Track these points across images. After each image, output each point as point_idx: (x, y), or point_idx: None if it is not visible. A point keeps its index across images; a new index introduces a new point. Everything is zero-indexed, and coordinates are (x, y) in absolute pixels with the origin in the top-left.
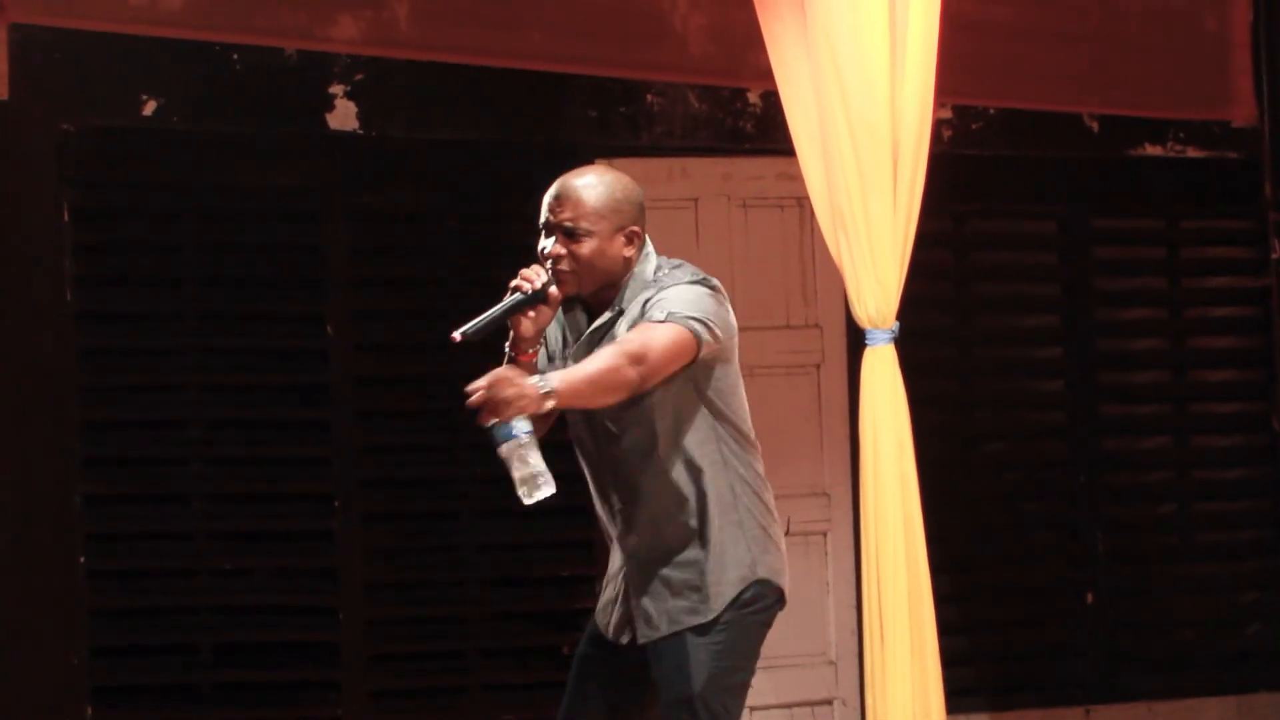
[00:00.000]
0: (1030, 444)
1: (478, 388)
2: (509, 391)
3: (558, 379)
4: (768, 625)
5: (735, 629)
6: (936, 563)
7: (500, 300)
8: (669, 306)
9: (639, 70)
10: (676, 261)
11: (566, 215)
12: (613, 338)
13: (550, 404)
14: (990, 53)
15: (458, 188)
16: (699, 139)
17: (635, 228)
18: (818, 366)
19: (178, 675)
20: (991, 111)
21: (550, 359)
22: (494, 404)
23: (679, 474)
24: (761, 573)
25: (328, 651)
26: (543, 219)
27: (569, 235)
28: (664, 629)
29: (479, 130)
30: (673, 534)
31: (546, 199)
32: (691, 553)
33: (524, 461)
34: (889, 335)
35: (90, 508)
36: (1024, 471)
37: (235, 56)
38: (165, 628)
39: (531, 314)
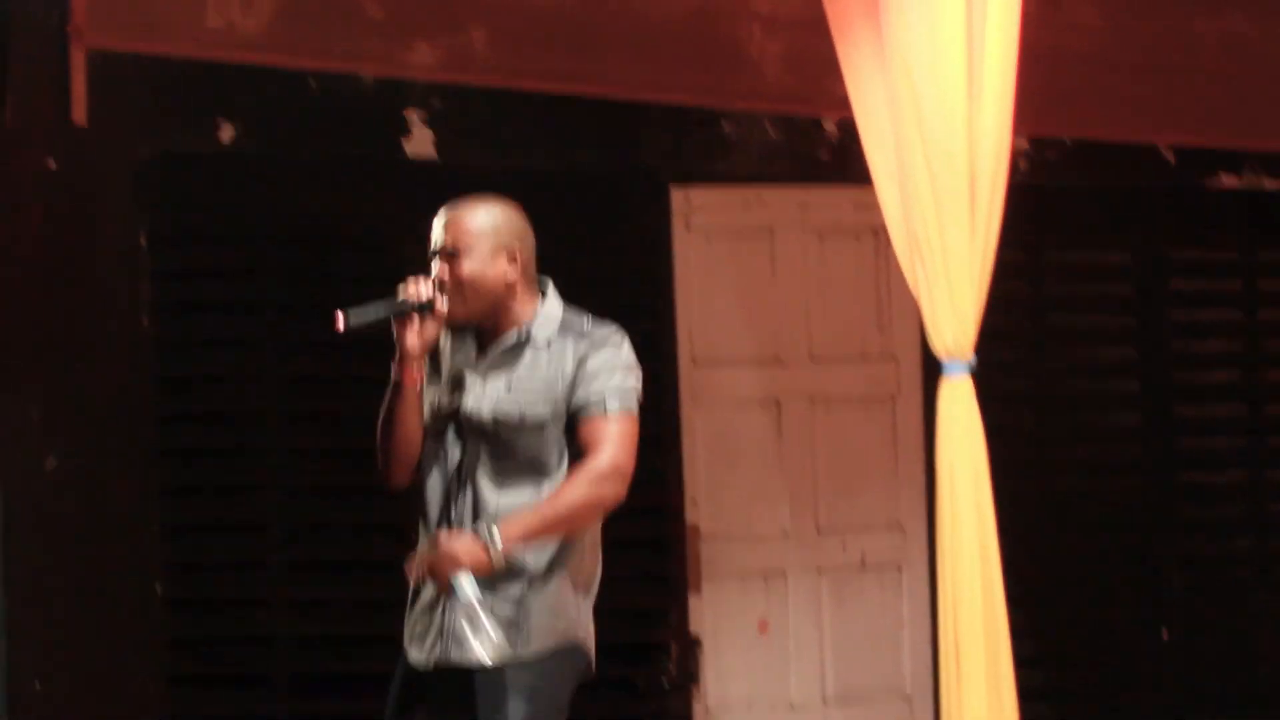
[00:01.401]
0: (1106, 477)
1: (425, 559)
2: (455, 558)
3: (506, 527)
4: (576, 687)
5: (550, 678)
6: (1012, 597)
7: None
8: (611, 381)
9: (715, 98)
10: (574, 308)
11: (447, 238)
12: (526, 363)
13: (500, 557)
14: (1067, 84)
15: (533, 216)
16: (775, 168)
17: (514, 248)
18: (893, 398)
19: (254, 705)
20: (1068, 142)
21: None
22: (441, 570)
23: (541, 495)
24: (580, 634)
25: None
26: (432, 245)
27: (450, 256)
28: (480, 657)
29: (555, 157)
30: (507, 567)
31: (434, 225)
32: (517, 588)
33: (474, 623)
34: (966, 367)
35: (168, 536)
36: (1100, 505)
37: (313, 82)
38: (242, 657)
39: (416, 327)
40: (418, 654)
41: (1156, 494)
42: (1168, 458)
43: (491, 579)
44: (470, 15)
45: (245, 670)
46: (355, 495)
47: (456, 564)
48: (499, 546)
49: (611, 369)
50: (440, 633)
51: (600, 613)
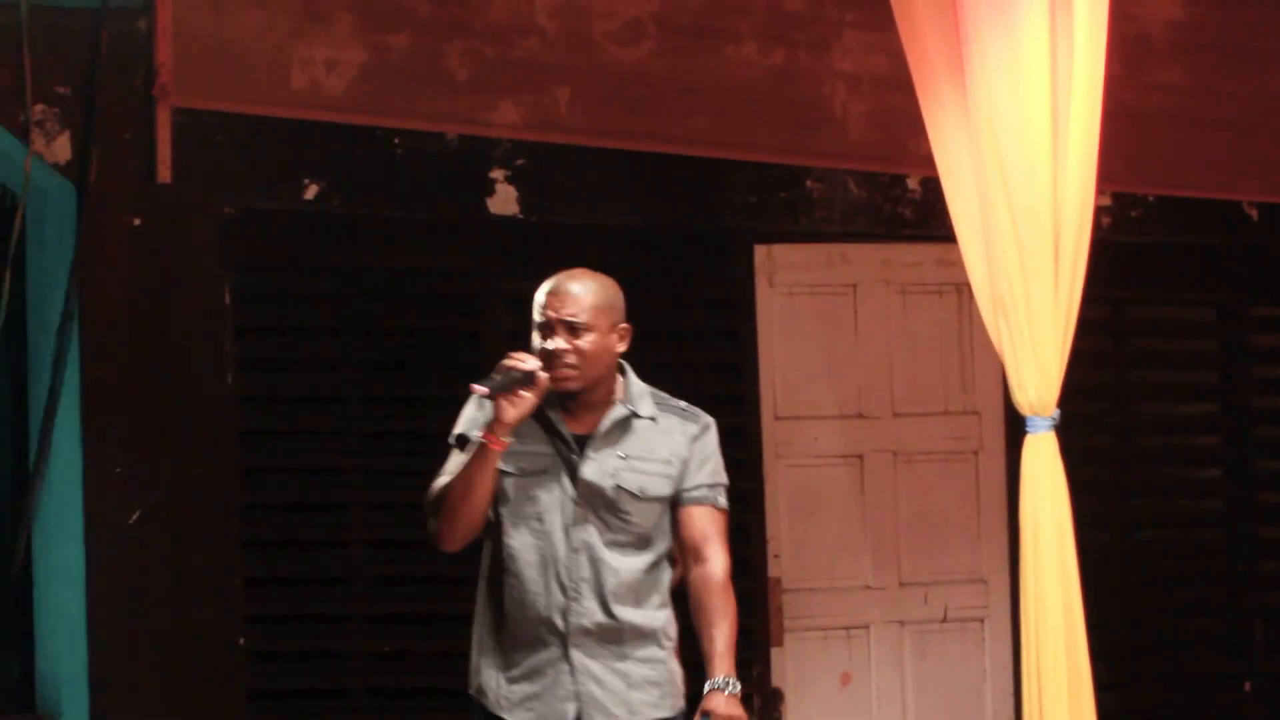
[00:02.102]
0: (1188, 531)
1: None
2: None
3: (727, 666)
4: None
5: None
6: (1095, 650)
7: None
8: (720, 474)
9: (799, 156)
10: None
11: (569, 311)
12: (637, 436)
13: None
14: (1150, 140)
15: (617, 273)
16: (858, 225)
17: (626, 325)
18: (976, 453)
19: None
20: (1151, 199)
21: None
22: None
23: (647, 573)
24: (683, 702)
25: None
26: (539, 316)
27: (571, 331)
28: (624, 717)
29: (639, 216)
30: (630, 617)
31: (542, 298)
32: (651, 650)
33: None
34: (1050, 422)
35: (250, 589)
36: (1182, 559)
37: (397, 140)
38: (324, 710)
39: (516, 398)
40: (523, 715)
41: (1238, 547)
42: (1250, 512)
43: (636, 643)
44: (553, 75)
45: None
46: (435, 549)
47: None
48: (739, 689)
49: (717, 457)
50: (571, 698)
51: (685, 665)
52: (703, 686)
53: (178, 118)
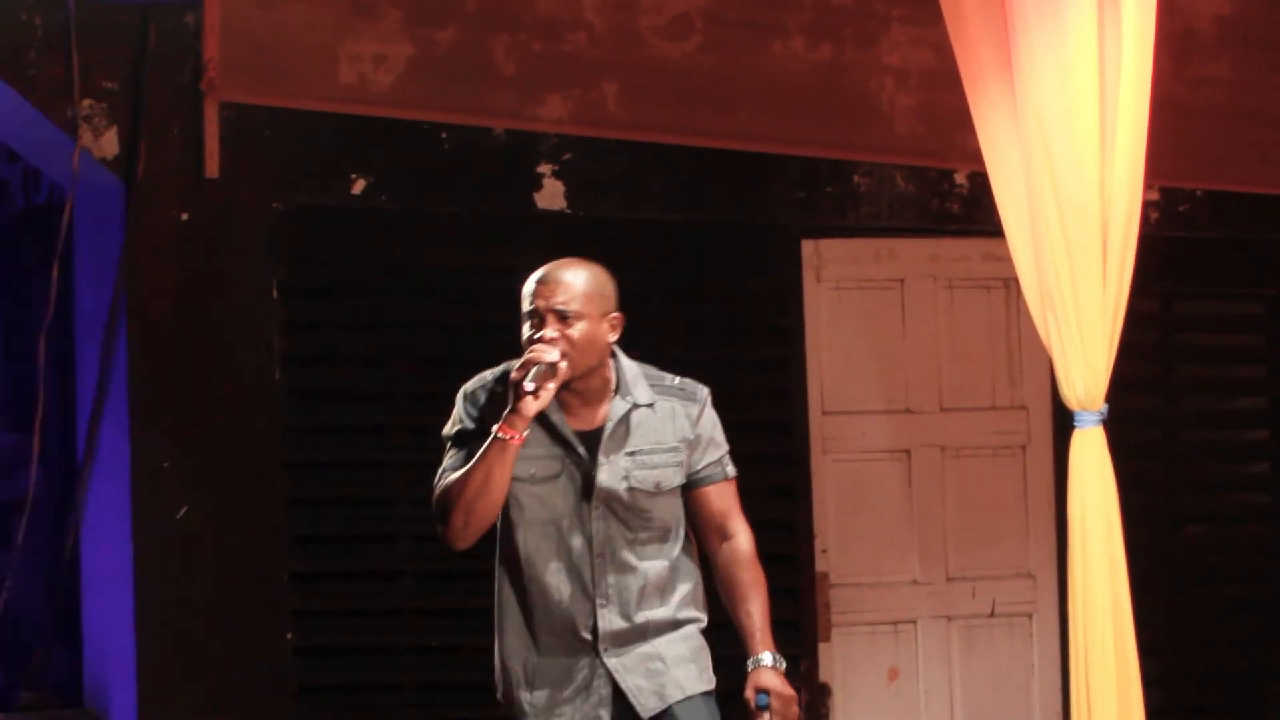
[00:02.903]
0: (1236, 526)
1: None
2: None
3: (770, 641)
4: None
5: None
6: (1142, 646)
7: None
8: (724, 446)
9: (847, 151)
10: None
11: (560, 299)
12: (640, 428)
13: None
14: (1198, 135)
15: (664, 267)
16: (906, 220)
17: (618, 314)
18: (1023, 448)
19: None
20: (1199, 194)
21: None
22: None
23: (671, 566)
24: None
25: None
26: (529, 306)
27: (562, 319)
28: (676, 695)
29: (686, 210)
30: (659, 613)
31: (531, 287)
32: (680, 630)
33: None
34: (1098, 417)
35: (298, 584)
36: (1230, 554)
37: (444, 135)
38: (372, 704)
39: (543, 391)
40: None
41: None
42: None
43: (667, 632)
44: (601, 69)
45: (375, 717)
46: (484, 543)
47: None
48: (784, 664)
49: (718, 428)
50: (607, 703)
51: (732, 660)
52: (744, 663)
53: (225, 112)
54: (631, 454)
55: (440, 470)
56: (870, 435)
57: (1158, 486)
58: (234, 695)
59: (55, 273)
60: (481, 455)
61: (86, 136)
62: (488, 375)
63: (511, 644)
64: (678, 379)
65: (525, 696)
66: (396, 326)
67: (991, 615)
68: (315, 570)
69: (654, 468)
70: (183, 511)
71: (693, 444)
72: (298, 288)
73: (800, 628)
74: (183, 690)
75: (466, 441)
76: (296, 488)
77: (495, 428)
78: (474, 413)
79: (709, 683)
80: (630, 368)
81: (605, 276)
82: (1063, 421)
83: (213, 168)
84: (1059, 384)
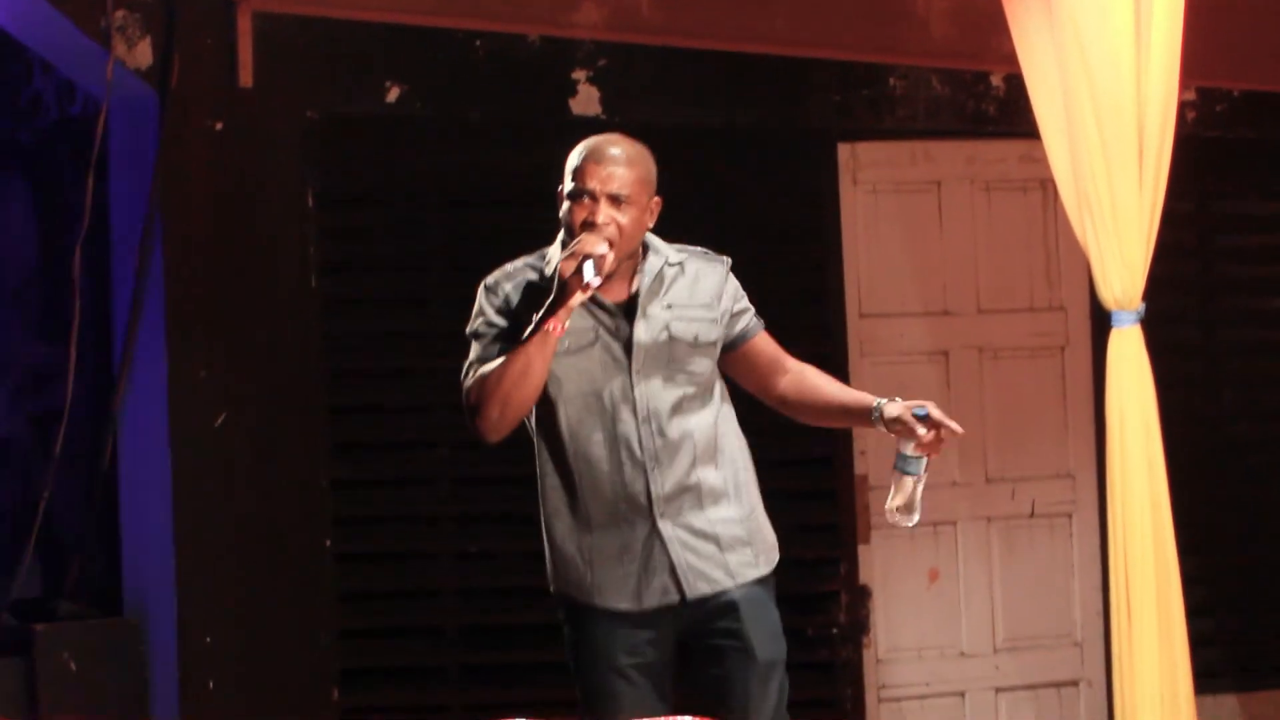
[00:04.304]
0: (1275, 425)
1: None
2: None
3: (864, 393)
4: None
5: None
6: (1182, 544)
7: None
8: (750, 308)
9: (882, 54)
10: None
11: (616, 184)
12: (672, 286)
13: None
14: (1234, 34)
15: (701, 172)
16: (941, 122)
17: (658, 198)
18: (1062, 349)
19: (424, 657)
20: (1235, 94)
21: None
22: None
23: (716, 428)
24: (776, 556)
25: None
26: (579, 184)
27: (615, 202)
28: (725, 583)
29: (721, 115)
30: (711, 477)
31: (581, 163)
32: (731, 510)
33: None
34: (1135, 317)
35: (337, 491)
36: (1270, 452)
37: (478, 43)
38: (412, 610)
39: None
40: (628, 601)
41: None
42: None
43: (718, 504)
44: None
45: (414, 623)
46: (521, 449)
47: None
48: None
49: (741, 293)
50: (666, 571)
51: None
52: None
53: (259, 22)
54: (669, 306)
55: (467, 365)
56: (908, 337)
57: (1197, 385)
58: (273, 603)
59: (90, 183)
60: (522, 346)
61: (120, 47)
62: (509, 267)
63: (563, 528)
64: (698, 248)
65: (586, 577)
66: (432, 233)
67: (1031, 516)
68: (354, 477)
69: (692, 320)
70: (220, 420)
71: (724, 305)
72: (333, 196)
73: (839, 530)
74: (221, 598)
75: (494, 335)
76: (334, 395)
77: (537, 317)
78: (501, 306)
79: (765, 566)
80: (653, 237)
81: (651, 158)
82: (1101, 322)
83: (246, 77)
84: (1096, 284)
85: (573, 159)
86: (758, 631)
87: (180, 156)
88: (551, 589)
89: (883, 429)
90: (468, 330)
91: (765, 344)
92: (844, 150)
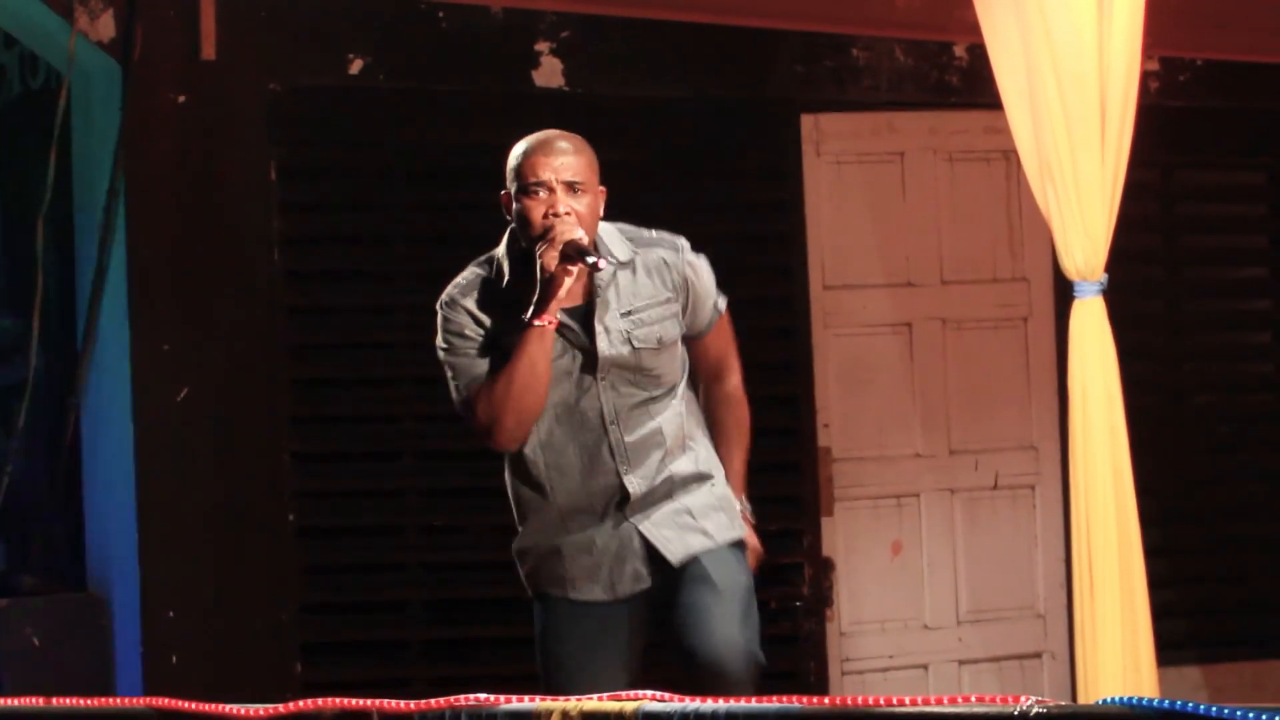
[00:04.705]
0: (1239, 396)
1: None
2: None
3: (741, 489)
4: None
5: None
6: (1145, 516)
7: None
8: (712, 291)
9: (845, 25)
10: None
11: (570, 173)
12: (628, 287)
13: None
14: (1197, 3)
15: (664, 144)
16: (905, 93)
17: (603, 186)
18: (1025, 320)
19: (387, 632)
20: (1199, 63)
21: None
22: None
23: (683, 415)
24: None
25: None
26: (535, 178)
27: (573, 190)
28: (704, 545)
29: (685, 87)
30: (681, 466)
31: (532, 159)
32: (703, 486)
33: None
34: (1098, 287)
35: (299, 465)
36: (1233, 424)
37: (441, 14)
38: (374, 584)
39: (577, 270)
40: (602, 590)
41: None
42: None
43: (676, 482)
44: None
45: (377, 597)
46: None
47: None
48: (751, 514)
49: (707, 270)
50: (639, 559)
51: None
52: None
53: None
54: (627, 313)
55: (458, 386)
56: (871, 309)
57: (1160, 357)
58: (236, 577)
59: (54, 156)
60: (520, 348)
61: (83, 20)
62: (461, 280)
63: (536, 530)
64: (653, 231)
65: (559, 572)
66: (395, 207)
67: (994, 488)
68: (317, 451)
69: (653, 323)
70: (183, 394)
71: (687, 292)
72: (296, 169)
73: (802, 502)
74: (185, 573)
75: (474, 350)
76: (296, 369)
77: (528, 315)
78: (469, 319)
79: (739, 530)
80: (605, 229)
81: (593, 149)
82: (1064, 293)
83: (209, 50)
84: (1059, 255)
85: (515, 158)
86: (719, 568)
87: (143, 129)
88: (526, 586)
89: None
90: (441, 351)
91: (714, 342)
92: (807, 121)
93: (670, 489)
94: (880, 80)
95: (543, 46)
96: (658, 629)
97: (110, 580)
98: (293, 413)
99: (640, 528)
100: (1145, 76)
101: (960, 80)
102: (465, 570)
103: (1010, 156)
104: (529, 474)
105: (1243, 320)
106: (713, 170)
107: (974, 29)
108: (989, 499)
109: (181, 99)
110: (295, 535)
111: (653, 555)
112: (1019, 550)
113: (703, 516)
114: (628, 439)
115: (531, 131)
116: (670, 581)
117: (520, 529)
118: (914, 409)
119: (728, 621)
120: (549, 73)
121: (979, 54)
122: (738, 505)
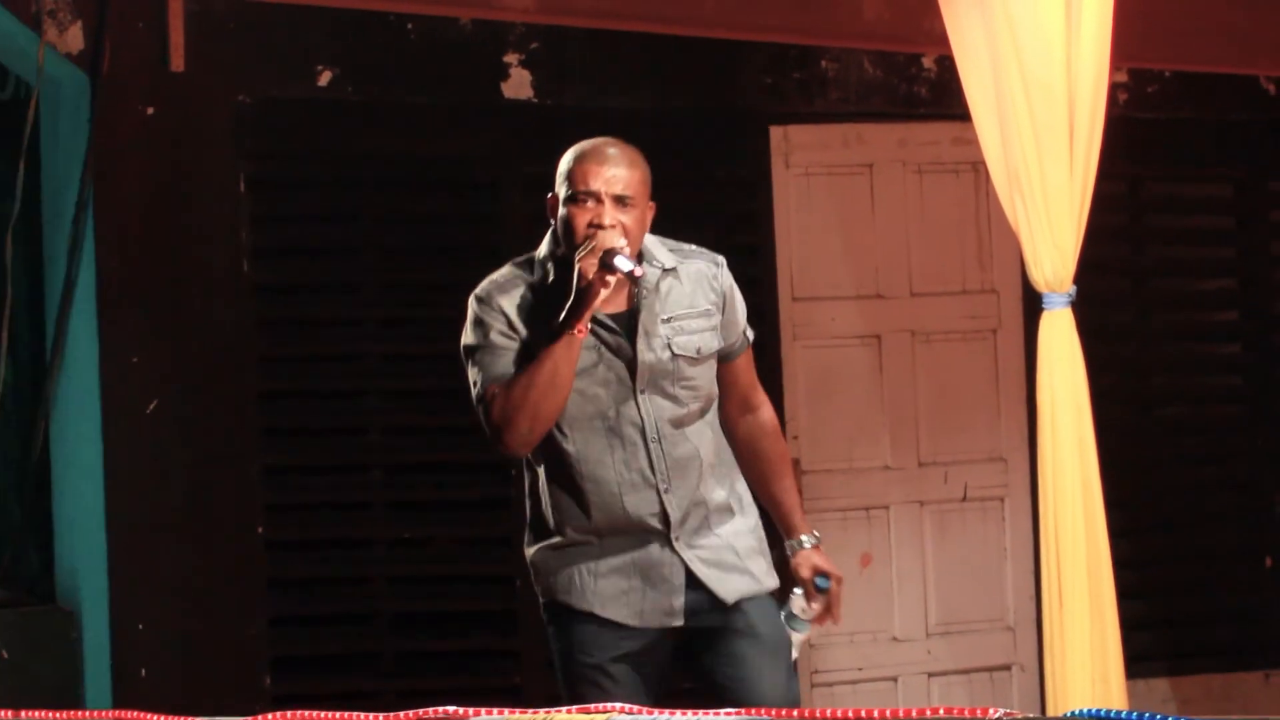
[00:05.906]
0: (1207, 407)
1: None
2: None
3: (806, 522)
4: None
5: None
6: (1114, 528)
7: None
8: (744, 315)
9: (814, 36)
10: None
11: (621, 186)
12: (669, 296)
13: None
14: (1166, 15)
15: None
16: (874, 105)
17: (652, 202)
18: (994, 332)
19: (356, 644)
20: (1167, 74)
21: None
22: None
23: (716, 439)
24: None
25: (506, 620)
26: (584, 186)
27: (621, 204)
28: (752, 590)
29: (653, 98)
30: (715, 494)
31: (585, 166)
32: (738, 522)
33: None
34: (1066, 299)
35: (269, 478)
36: (1201, 435)
37: (410, 26)
38: (343, 597)
39: (612, 279)
40: (629, 614)
41: (1258, 423)
42: (1269, 386)
43: (727, 518)
44: None
45: (347, 610)
46: (454, 436)
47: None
48: (814, 536)
49: (738, 292)
50: (676, 593)
51: None
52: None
53: (190, 6)
54: (668, 320)
55: (478, 383)
56: (840, 321)
57: (1129, 368)
58: (205, 590)
59: (22, 167)
60: (546, 353)
61: (51, 31)
62: (498, 277)
63: (568, 543)
64: (692, 245)
65: (589, 588)
66: (364, 218)
67: (964, 500)
68: (286, 464)
69: (693, 333)
70: (152, 406)
71: (723, 309)
72: (265, 181)
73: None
74: (154, 585)
75: (501, 348)
76: (266, 381)
77: (559, 321)
78: (500, 317)
79: (774, 579)
80: (648, 239)
81: (647, 162)
82: (1033, 305)
83: (178, 62)
84: (1027, 267)
85: (567, 163)
86: (765, 621)
87: (112, 141)
88: (541, 599)
89: (791, 565)
90: (467, 345)
91: (745, 370)
92: (776, 133)
93: (706, 515)
94: (849, 92)
95: (512, 58)
96: (692, 671)
97: (79, 593)
98: (262, 425)
99: (685, 558)
100: (1114, 88)
101: (929, 92)
102: (434, 583)
103: (979, 168)
104: (563, 486)
105: (1211, 332)
106: (681, 182)
107: (942, 40)
108: (958, 511)
109: (150, 111)
110: (264, 548)
111: (691, 584)
112: (988, 562)
113: (748, 557)
114: (667, 456)
115: (499, 142)
116: (706, 626)
117: (537, 539)
118: (883, 421)
119: (776, 684)
120: (518, 84)
121: (947, 66)
122: (807, 540)
